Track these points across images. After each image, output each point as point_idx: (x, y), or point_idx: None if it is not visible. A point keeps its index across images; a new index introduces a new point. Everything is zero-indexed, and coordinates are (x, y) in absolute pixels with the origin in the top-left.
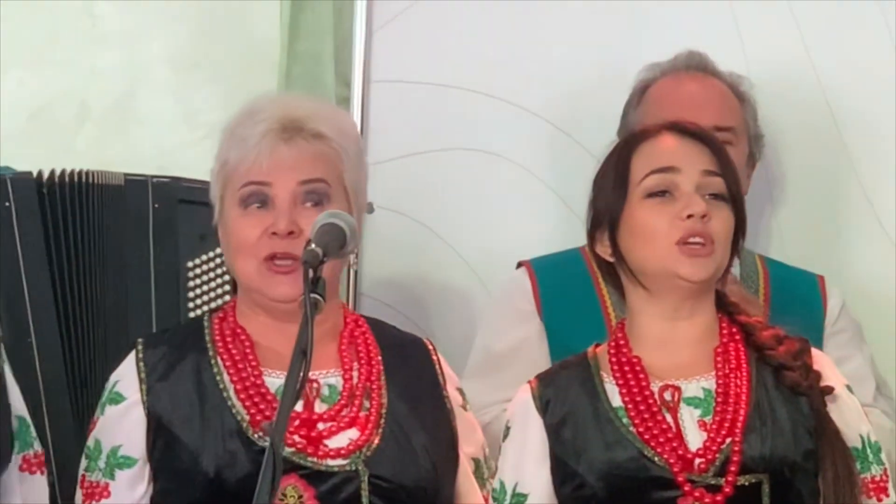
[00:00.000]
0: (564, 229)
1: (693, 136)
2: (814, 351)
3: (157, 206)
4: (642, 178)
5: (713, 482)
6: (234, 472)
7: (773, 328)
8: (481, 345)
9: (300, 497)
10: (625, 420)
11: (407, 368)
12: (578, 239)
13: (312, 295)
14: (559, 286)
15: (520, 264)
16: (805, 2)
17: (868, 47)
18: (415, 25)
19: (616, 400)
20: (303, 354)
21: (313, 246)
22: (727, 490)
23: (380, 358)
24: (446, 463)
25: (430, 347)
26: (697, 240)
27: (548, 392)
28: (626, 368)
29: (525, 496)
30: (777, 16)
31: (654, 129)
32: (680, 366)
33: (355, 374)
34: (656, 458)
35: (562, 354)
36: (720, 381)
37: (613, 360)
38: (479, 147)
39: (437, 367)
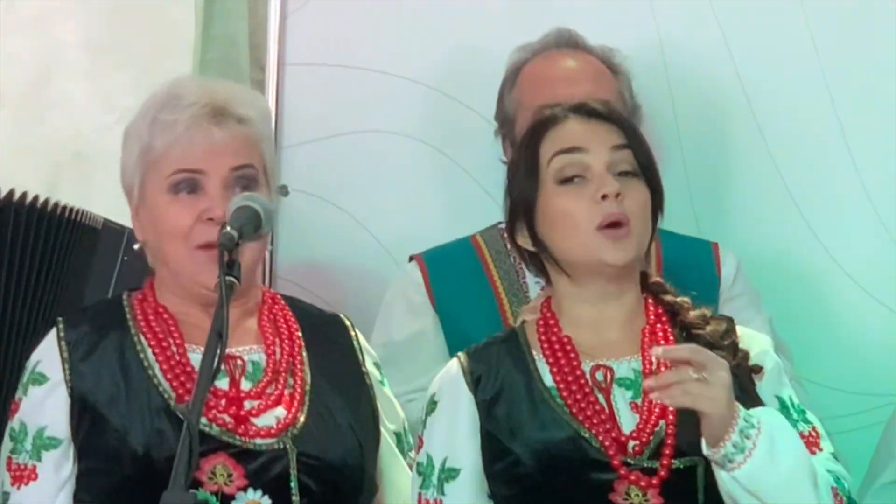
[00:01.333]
0: (478, 210)
1: (599, 115)
2: (739, 329)
3: (125, 258)
4: (549, 160)
5: (648, 465)
6: (162, 450)
7: (700, 308)
8: (379, 339)
9: (229, 475)
10: (558, 400)
11: (326, 345)
12: (493, 219)
13: (228, 277)
14: (450, 277)
15: (411, 258)
16: None
17: (783, 31)
18: (329, 8)
19: (548, 379)
20: (218, 336)
21: (228, 229)
22: (662, 474)
23: (300, 334)
24: (370, 440)
25: (348, 324)
26: (618, 222)
27: (479, 367)
28: (557, 347)
29: (457, 471)
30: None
31: (561, 113)
32: (609, 346)
33: (277, 350)
34: (593, 440)
35: (458, 345)
36: (646, 363)
37: (543, 338)
38: (393, 129)
39: (356, 343)
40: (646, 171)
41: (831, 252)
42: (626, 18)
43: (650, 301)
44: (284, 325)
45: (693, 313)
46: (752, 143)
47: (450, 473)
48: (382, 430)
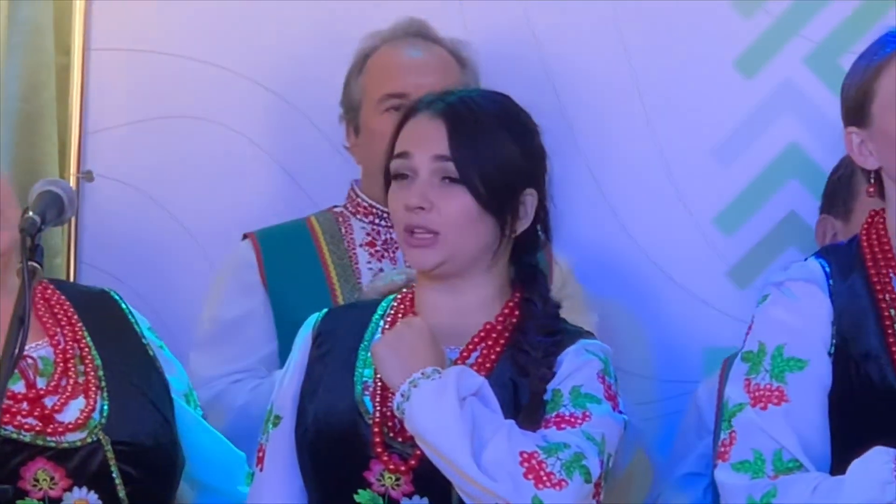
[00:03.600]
0: (288, 200)
1: (442, 114)
2: (587, 344)
3: None
4: (391, 161)
5: (410, 450)
6: None
7: (552, 319)
8: (208, 316)
9: (52, 479)
10: (368, 371)
11: (104, 323)
12: (302, 209)
13: (31, 263)
14: (284, 258)
15: (245, 236)
16: None
17: (592, 29)
18: None
19: None
20: (20, 322)
21: (31, 214)
22: (412, 463)
23: (77, 318)
24: (170, 410)
25: (116, 297)
26: (420, 231)
27: (325, 325)
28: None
29: (280, 418)
30: None
31: (418, 105)
32: (452, 334)
33: (61, 339)
34: (367, 416)
35: (286, 326)
36: (463, 355)
37: (392, 311)
38: (201, 116)
39: (130, 315)
40: (469, 181)
41: (640, 244)
42: (432, 14)
43: (517, 297)
44: (62, 312)
45: (536, 321)
46: (559, 134)
47: (276, 420)
48: (174, 395)
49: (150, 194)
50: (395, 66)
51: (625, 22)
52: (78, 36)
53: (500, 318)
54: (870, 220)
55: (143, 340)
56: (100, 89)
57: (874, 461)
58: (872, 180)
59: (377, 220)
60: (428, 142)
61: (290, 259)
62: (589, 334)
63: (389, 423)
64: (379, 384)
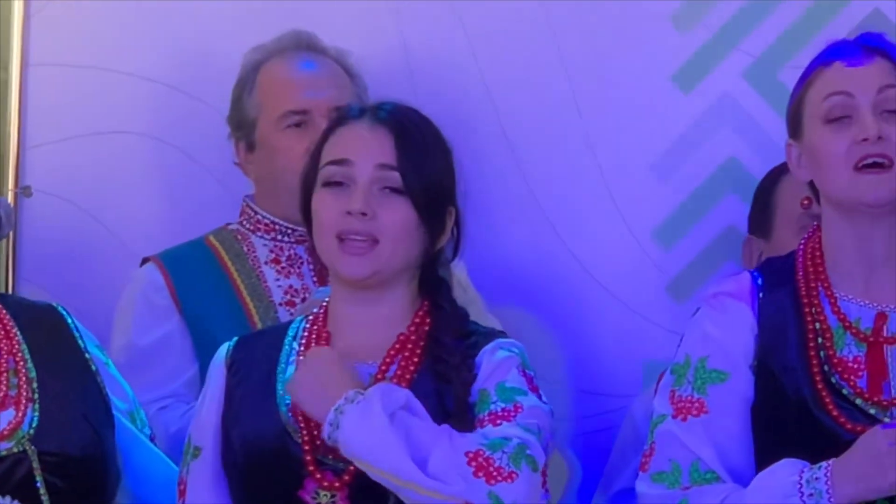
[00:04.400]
0: (225, 214)
1: (384, 122)
2: (503, 343)
3: None
4: (322, 167)
5: (343, 466)
6: None
7: (464, 324)
8: (122, 344)
9: None
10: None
11: (45, 337)
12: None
13: None
14: (194, 279)
15: (146, 259)
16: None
17: (527, 35)
18: (73, 9)
19: (291, 372)
20: None
21: None
22: (346, 479)
23: (16, 331)
24: (105, 427)
25: (63, 311)
26: (357, 238)
27: (238, 353)
28: (314, 342)
29: (199, 450)
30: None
31: (348, 112)
32: (366, 348)
33: None
34: (296, 435)
35: (206, 346)
36: (382, 368)
37: (305, 333)
38: (139, 131)
39: (74, 330)
40: (413, 191)
41: (580, 258)
42: (369, 21)
43: (425, 307)
44: (0, 325)
45: (451, 326)
46: (497, 146)
47: (195, 451)
48: (116, 413)
49: (89, 209)
50: (291, 82)
51: (562, 36)
52: (16, 51)
53: (413, 329)
54: (809, 233)
55: (86, 356)
56: (38, 104)
57: (779, 473)
58: (811, 193)
59: (279, 237)
60: (371, 150)
61: (199, 280)
62: (501, 333)
63: (318, 442)
64: None
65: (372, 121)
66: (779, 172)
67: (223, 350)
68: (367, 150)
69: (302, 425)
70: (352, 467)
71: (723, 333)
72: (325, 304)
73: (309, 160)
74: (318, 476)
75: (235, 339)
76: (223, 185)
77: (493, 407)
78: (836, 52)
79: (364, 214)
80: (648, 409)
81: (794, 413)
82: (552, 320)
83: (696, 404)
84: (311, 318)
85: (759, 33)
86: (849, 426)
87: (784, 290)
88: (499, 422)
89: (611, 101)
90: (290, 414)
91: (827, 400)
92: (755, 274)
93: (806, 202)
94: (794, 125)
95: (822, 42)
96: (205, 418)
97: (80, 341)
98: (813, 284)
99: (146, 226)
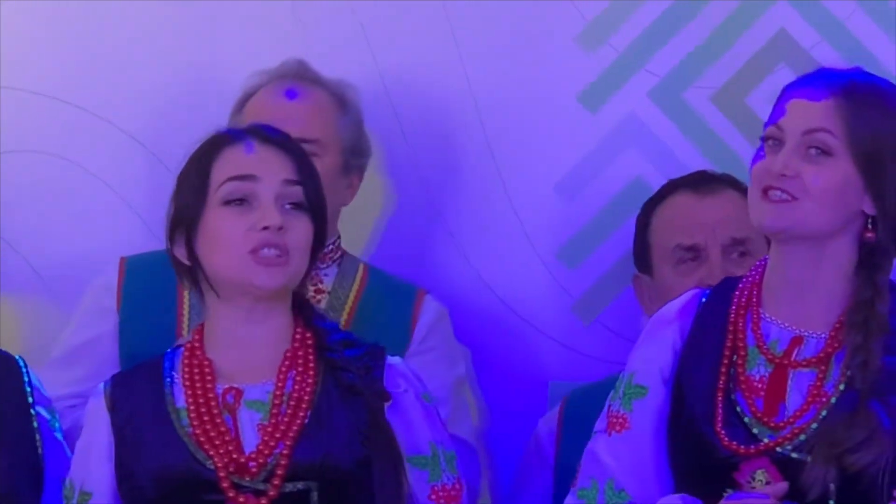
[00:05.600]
0: (134, 239)
1: (276, 143)
2: (393, 359)
3: None
4: (220, 184)
5: (262, 487)
6: None
7: (346, 333)
8: (65, 335)
9: None
10: (184, 422)
11: None
12: (140, 236)
13: None
14: (144, 285)
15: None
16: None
17: (432, 47)
18: None
19: (181, 401)
20: None
21: None
22: (272, 494)
23: None
24: (25, 485)
25: (21, 363)
26: (273, 251)
27: (117, 391)
28: (196, 371)
29: (90, 494)
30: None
31: (238, 133)
32: (252, 369)
33: None
34: (207, 462)
35: (131, 353)
36: (279, 385)
37: (186, 361)
38: (46, 150)
39: (27, 385)
40: (314, 208)
41: (484, 277)
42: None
43: (300, 325)
44: None
45: (335, 337)
46: (403, 165)
47: (83, 497)
48: (48, 474)
49: None
50: (266, 111)
51: (468, 54)
52: None
53: (297, 345)
54: (761, 261)
55: (31, 412)
56: None
57: None
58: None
59: None
60: (272, 166)
61: (148, 287)
62: (384, 350)
63: (231, 468)
64: (212, 433)
65: (263, 140)
66: (652, 206)
67: (99, 391)
68: (269, 166)
69: (211, 452)
70: (275, 481)
71: (646, 349)
72: (193, 337)
73: (189, 188)
74: (242, 500)
75: (109, 378)
76: (135, 212)
77: (444, 479)
78: None
79: (280, 228)
80: (553, 430)
81: (684, 427)
82: (458, 339)
83: (621, 420)
84: (185, 348)
85: (664, 53)
86: (726, 442)
87: (723, 307)
88: None
89: (516, 119)
90: (195, 444)
91: (718, 416)
92: (705, 291)
93: None
94: None
95: (727, 62)
96: (94, 463)
97: (29, 397)
98: (742, 311)
99: (56, 250)
